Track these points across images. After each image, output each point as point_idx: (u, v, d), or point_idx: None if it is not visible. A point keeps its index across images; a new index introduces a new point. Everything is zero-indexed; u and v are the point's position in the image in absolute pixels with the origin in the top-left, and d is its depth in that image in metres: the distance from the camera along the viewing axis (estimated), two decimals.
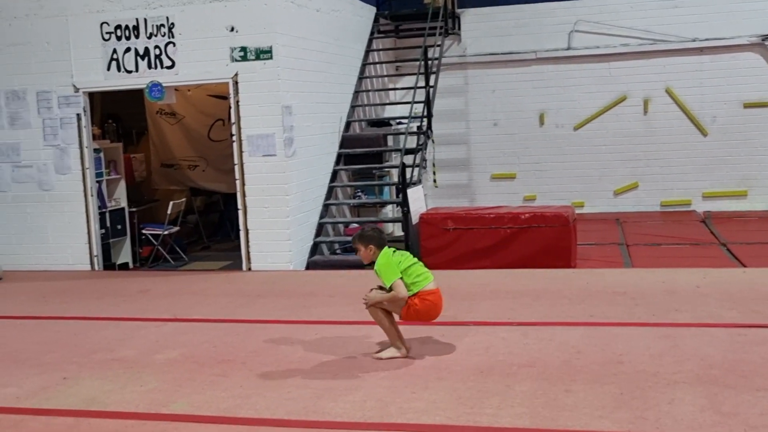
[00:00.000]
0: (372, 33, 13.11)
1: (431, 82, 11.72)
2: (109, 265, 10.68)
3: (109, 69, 10.08)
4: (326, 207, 10.88)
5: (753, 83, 12.89)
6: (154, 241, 11.20)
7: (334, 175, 11.22)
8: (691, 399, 4.79)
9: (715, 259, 9.43)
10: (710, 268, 8.62)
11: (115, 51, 10.02)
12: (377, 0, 13.58)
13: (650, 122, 13.35)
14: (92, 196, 10.34)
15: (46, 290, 9.21)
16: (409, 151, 10.86)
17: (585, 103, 13.54)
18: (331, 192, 11.08)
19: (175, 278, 9.80)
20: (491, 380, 5.30)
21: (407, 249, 6.12)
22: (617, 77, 13.39)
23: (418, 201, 10.20)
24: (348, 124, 11.87)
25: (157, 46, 9.89)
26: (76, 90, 10.21)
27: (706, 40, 12.96)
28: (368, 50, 12.86)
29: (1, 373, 6.02)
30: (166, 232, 11.30)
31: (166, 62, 9.89)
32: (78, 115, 10.25)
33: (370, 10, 13.20)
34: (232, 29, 9.62)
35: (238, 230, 10.02)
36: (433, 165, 12.66)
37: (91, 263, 10.38)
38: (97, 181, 10.54)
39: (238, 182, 9.85)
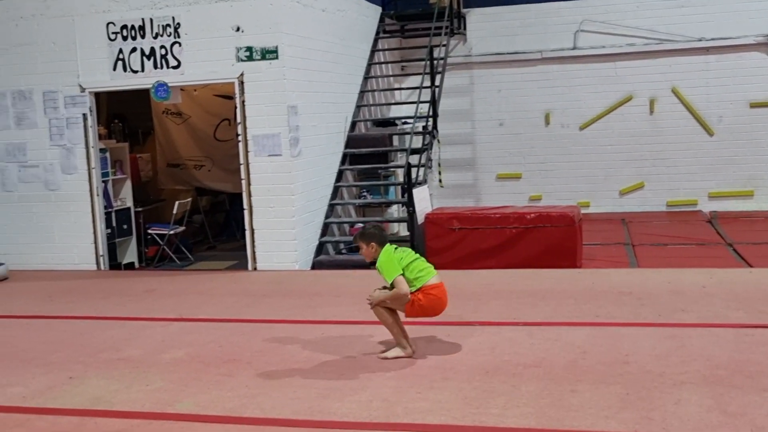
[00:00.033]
0: (377, 33, 13.11)
1: (437, 82, 11.71)
2: (114, 264, 10.71)
3: (115, 69, 10.10)
4: (332, 207, 10.89)
5: (759, 83, 12.84)
6: (159, 240, 11.22)
7: (340, 175, 11.23)
8: (698, 399, 4.78)
9: (721, 259, 9.41)
10: (716, 269, 8.60)
11: (121, 51, 10.04)
12: (383, 0, 13.58)
13: (656, 122, 13.32)
14: (98, 195, 10.36)
15: (52, 290, 9.23)
16: (414, 151, 10.85)
17: (591, 103, 13.52)
18: (336, 192, 11.08)
19: (181, 278, 9.81)
20: (497, 380, 5.30)
21: (412, 249, 6.13)
22: (623, 77, 13.37)
23: (424, 201, 10.20)
24: (353, 124, 11.87)
25: (163, 46, 9.91)
26: (83, 90, 10.24)
27: (712, 39, 12.93)
28: (374, 50, 12.86)
29: (8, 373, 6.04)
30: (171, 232, 11.32)
31: (172, 62, 9.91)
32: (84, 114, 10.27)
33: (376, 10, 13.21)
34: (238, 29, 9.63)
35: (244, 230, 10.03)
36: (439, 165, 12.66)
37: (97, 263, 10.40)
38: (103, 181, 10.56)
39: (243, 182, 9.86)
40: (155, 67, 9.97)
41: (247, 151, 9.77)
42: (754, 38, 12.78)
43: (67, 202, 10.39)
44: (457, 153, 13.88)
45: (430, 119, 11.45)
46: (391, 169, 11.86)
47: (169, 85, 9.91)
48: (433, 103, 11.49)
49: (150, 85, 9.98)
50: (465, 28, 13.82)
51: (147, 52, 9.97)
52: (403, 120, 12.51)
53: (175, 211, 11.21)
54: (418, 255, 5.99)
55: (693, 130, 13.17)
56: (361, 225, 10.86)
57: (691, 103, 13.11)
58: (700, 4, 12.95)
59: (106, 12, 10.04)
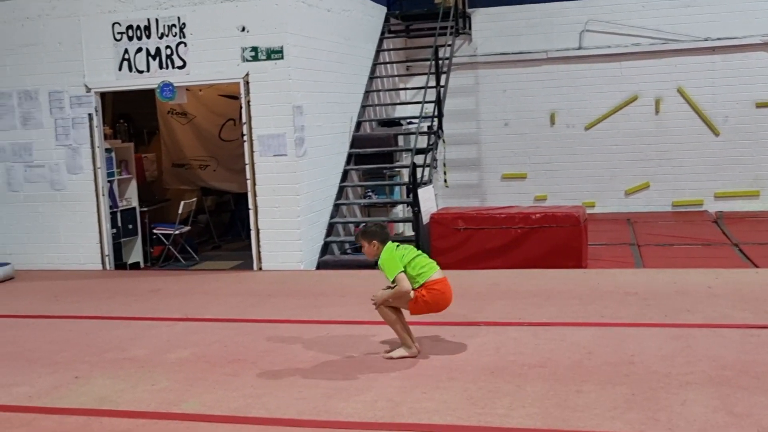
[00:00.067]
0: (383, 33, 13.11)
1: (442, 82, 11.71)
2: (120, 264, 10.72)
3: (120, 69, 10.11)
4: (337, 207, 10.89)
5: (765, 83, 12.81)
6: (165, 240, 11.23)
7: (345, 175, 11.23)
8: (704, 400, 4.76)
9: (727, 259, 9.39)
10: (722, 269, 8.58)
11: (126, 51, 10.06)
12: (388, 0, 13.57)
13: (662, 122, 13.30)
14: (104, 195, 10.37)
15: (57, 289, 9.25)
16: (419, 151, 10.85)
17: (596, 103, 13.50)
18: (341, 192, 11.08)
19: (186, 278, 9.82)
20: (502, 380, 5.29)
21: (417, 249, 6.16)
22: (628, 77, 13.34)
23: (429, 201, 10.19)
24: (359, 124, 11.88)
25: (168, 46, 9.92)
26: (88, 90, 10.25)
27: (718, 39, 12.90)
28: (379, 50, 12.86)
29: (14, 372, 6.05)
30: (177, 232, 11.33)
31: (178, 62, 9.92)
32: (90, 115, 10.29)
33: (381, 10, 13.21)
34: (243, 29, 9.64)
35: (249, 230, 10.04)
36: (444, 165, 12.65)
37: (103, 263, 10.42)
38: (109, 181, 10.58)
39: (249, 182, 9.86)
40: (161, 67, 9.99)
41: (252, 151, 9.78)
42: (760, 38, 12.74)
43: (72, 202, 10.41)
44: (462, 153, 13.87)
45: (435, 119, 11.45)
46: (396, 169, 11.86)
47: (175, 85, 9.93)
48: (438, 103, 11.50)
49: (155, 85, 10.00)
50: (470, 28, 13.82)
51: (152, 52, 9.98)
52: (408, 120, 12.50)
53: (180, 211, 11.23)
54: (420, 252, 5.97)
55: (699, 130, 13.14)
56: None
57: (697, 103, 13.08)
58: (706, 3, 12.92)
59: (112, 12, 10.06)
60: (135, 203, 11.31)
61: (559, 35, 13.56)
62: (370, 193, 11.73)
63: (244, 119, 9.84)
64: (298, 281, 9.17)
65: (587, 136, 13.61)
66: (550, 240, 9.20)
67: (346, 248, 10.82)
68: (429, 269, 5.85)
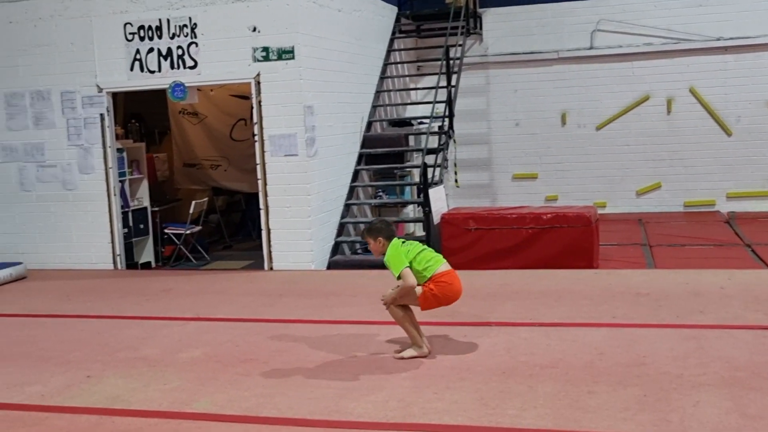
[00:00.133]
0: (393, 33, 13.11)
1: (453, 82, 11.70)
2: (131, 264, 10.75)
3: (132, 69, 10.15)
4: (347, 207, 10.90)
5: None
6: (176, 240, 11.26)
7: (356, 175, 11.23)
8: (716, 401, 4.74)
9: (739, 260, 9.34)
10: (735, 270, 8.54)
11: (138, 51, 10.09)
12: (399, 0, 13.57)
13: (673, 122, 13.25)
14: (115, 195, 10.41)
15: (69, 289, 9.29)
16: (430, 151, 10.84)
17: (607, 103, 13.46)
18: (352, 192, 11.09)
19: (197, 277, 9.84)
20: (513, 381, 5.28)
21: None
22: (640, 77, 13.30)
23: (440, 201, 10.19)
24: (369, 124, 11.88)
25: (179, 47, 9.95)
26: (100, 90, 10.29)
27: (731, 39, 12.84)
28: (390, 50, 12.86)
29: (27, 371, 6.08)
30: (188, 232, 11.36)
31: (189, 62, 9.94)
32: (101, 115, 10.33)
33: (392, 10, 13.20)
34: (255, 29, 9.66)
35: (260, 230, 10.05)
36: (455, 165, 12.64)
37: (114, 262, 10.45)
38: (120, 181, 10.62)
39: (260, 182, 9.88)
40: (172, 67, 10.01)
41: (263, 151, 9.80)
42: None
43: (84, 202, 10.45)
44: (473, 153, 13.86)
45: (446, 119, 11.43)
46: (407, 169, 11.85)
47: (186, 85, 9.95)
48: (449, 103, 11.48)
49: (167, 85, 10.03)
50: (481, 28, 13.80)
51: (164, 52, 10.01)
52: (419, 120, 12.50)
53: (191, 211, 11.26)
54: (425, 246, 5.95)
55: (711, 130, 13.08)
56: None
57: (709, 102, 13.02)
58: (718, 3, 12.86)
59: (124, 13, 10.10)
60: (146, 203, 11.35)
61: (570, 35, 13.53)
62: (380, 193, 11.73)
63: (255, 119, 9.86)
64: (309, 281, 9.18)
65: (598, 136, 13.57)
66: (562, 240, 9.17)
67: (356, 248, 10.82)
68: (435, 263, 5.83)
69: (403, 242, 5.88)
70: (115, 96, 10.72)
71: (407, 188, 11.80)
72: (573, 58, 13.53)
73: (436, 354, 5.92)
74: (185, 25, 9.90)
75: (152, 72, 10.09)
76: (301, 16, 9.69)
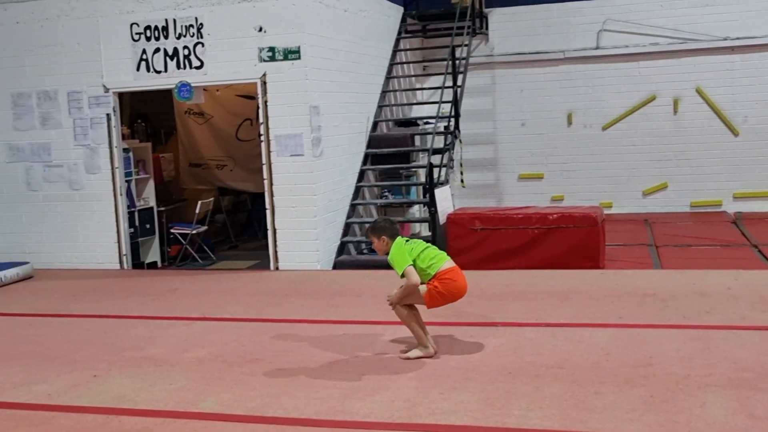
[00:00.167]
0: (399, 33, 13.10)
1: (458, 82, 11.69)
2: (137, 263, 10.77)
3: (138, 69, 10.16)
4: (353, 207, 10.90)
5: None
6: (182, 240, 11.28)
7: (362, 175, 11.23)
8: (723, 402, 4.73)
9: (746, 260, 9.32)
10: (742, 270, 8.51)
11: (144, 51, 10.10)
12: (405, 0, 13.57)
13: (680, 122, 13.22)
14: (121, 195, 10.43)
15: (76, 288, 9.31)
16: (436, 151, 10.84)
17: (613, 103, 13.44)
18: (358, 192, 11.09)
19: (203, 277, 9.85)
20: (519, 381, 5.27)
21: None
22: (646, 77, 13.27)
23: (446, 201, 10.18)
24: (375, 124, 11.88)
25: (186, 47, 9.96)
26: (106, 90, 10.31)
27: (737, 39, 12.80)
28: (395, 50, 12.86)
29: (33, 371, 6.10)
30: (194, 232, 11.38)
31: (195, 62, 9.95)
32: (108, 115, 10.34)
33: (398, 10, 13.20)
34: (261, 29, 9.66)
35: (266, 230, 10.06)
36: (461, 165, 12.62)
37: (120, 262, 10.47)
38: (127, 181, 10.64)
39: (266, 182, 9.89)
40: (178, 67, 10.03)
41: (269, 151, 9.80)
42: None
43: (90, 202, 10.48)
44: (479, 153, 13.85)
45: (452, 119, 11.43)
46: (413, 170, 11.86)
47: (192, 85, 9.96)
48: (455, 103, 11.47)
49: (173, 86, 10.04)
50: (487, 28, 13.79)
51: (170, 52, 10.03)
52: (425, 120, 12.49)
53: (197, 211, 11.27)
54: (428, 244, 5.94)
55: (717, 130, 13.05)
56: None
57: (716, 102, 12.99)
58: (725, 3, 12.83)
59: (130, 13, 10.11)
60: (152, 203, 11.37)
61: (576, 35, 13.51)
62: (386, 193, 11.73)
63: (261, 119, 9.86)
64: (315, 281, 9.18)
65: (604, 136, 13.55)
66: (568, 240, 9.17)
67: (362, 248, 10.82)
68: (439, 260, 5.81)
69: (407, 240, 5.87)
70: (122, 96, 10.76)
71: (413, 188, 11.80)
72: (579, 58, 13.51)
73: (441, 354, 5.92)
74: (191, 26, 9.91)
75: (158, 72, 10.11)
76: (307, 16, 9.69)
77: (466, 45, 12.43)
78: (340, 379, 5.51)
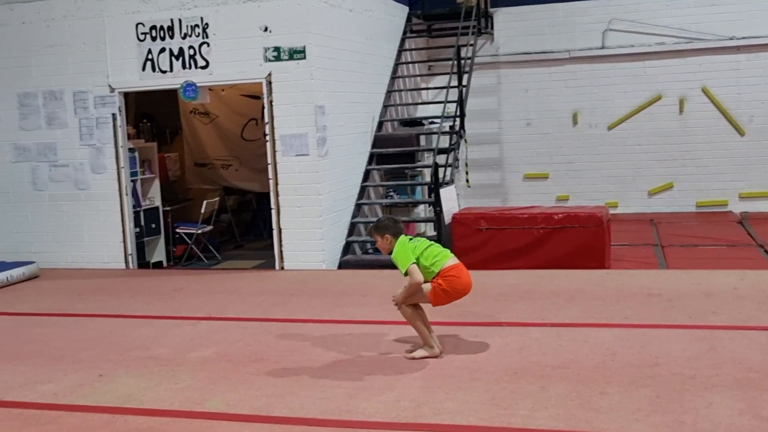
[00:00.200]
0: (405, 32, 13.11)
1: (464, 82, 11.69)
2: (143, 263, 10.79)
3: (144, 69, 10.18)
4: (358, 206, 10.90)
5: None
6: (187, 239, 11.29)
7: (367, 175, 11.24)
8: (729, 403, 4.72)
9: (752, 260, 9.29)
10: (748, 270, 8.49)
11: (150, 51, 10.12)
12: (410, 0, 13.57)
13: (686, 122, 13.19)
14: (127, 195, 10.44)
15: (81, 288, 9.32)
16: (441, 151, 10.83)
17: (619, 103, 13.42)
18: (363, 191, 11.09)
19: (209, 277, 9.86)
20: (525, 381, 5.27)
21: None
22: (652, 76, 13.25)
23: (451, 201, 10.18)
24: (380, 124, 11.88)
25: (191, 47, 9.97)
26: (112, 90, 10.33)
27: (743, 38, 12.77)
28: (401, 50, 12.86)
29: (39, 370, 6.11)
30: (199, 231, 11.39)
31: (201, 62, 9.96)
32: (113, 114, 10.36)
33: (403, 10, 13.20)
34: (266, 29, 9.67)
35: (271, 229, 10.07)
36: (466, 165, 12.62)
37: (126, 261, 10.49)
38: (132, 180, 10.65)
39: (271, 182, 9.89)
40: (184, 67, 10.04)
41: (274, 151, 9.81)
42: None
43: (96, 201, 10.50)
44: (484, 153, 13.84)
45: (457, 119, 11.43)
46: (418, 169, 11.85)
47: (198, 85, 9.98)
48: (460, 102, 11.47)
49: (178, 85, 10.06)
50: (492, 28, 13.78)
51: (176, 52, 10.04)
52: (430, 120, 12.49)
53: (202, 211, 11.28)
54: (432, 242, 5.93)
55: (723, 130, 13.02)
56: None
57: (722, 102, 12.96)
58: (731, 2, 12.80)
59: (136, 13, 10.13)
60: (158, 202, 11.38)
61: (581, 34, 13.49)
62: (391, 193, 11.73)
63: (266, 119, 9.87)
64: (320, 281, 9.18)
65: (610, 136, 13.53)
66: (573, 240, 9.15)
67: (367, 248, 10.82)
68: (442, 257, 5.80)
69: (411, 239, 5.87)
70: (127, 96, 10.78)
71: (418, 188, 11.79)
72: (584, 57, 13.49)
73: (447, 354, 5.91)
74: (197, 25, 9.92)
75: (164, 72, 10.12)
76: (313, 16, 9.70)
77: (471, 45, 12.42)
78: (346, 378, 5.52)
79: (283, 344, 6.48)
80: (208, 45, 9.91)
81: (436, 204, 9.84)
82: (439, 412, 4.80)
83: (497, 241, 9.42)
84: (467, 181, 12.86)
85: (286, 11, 9.60)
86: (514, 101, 13.88)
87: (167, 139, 13.46)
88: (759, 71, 12.79)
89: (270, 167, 9.87)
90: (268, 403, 5.11)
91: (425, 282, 5.73)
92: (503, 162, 14.02)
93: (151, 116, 13.02)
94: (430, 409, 4.86)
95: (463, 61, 11.68)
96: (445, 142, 11.27)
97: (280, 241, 9.89)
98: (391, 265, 6.06)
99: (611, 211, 10.62)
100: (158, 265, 11.18)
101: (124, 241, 10.46)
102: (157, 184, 11.41)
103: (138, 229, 10.72)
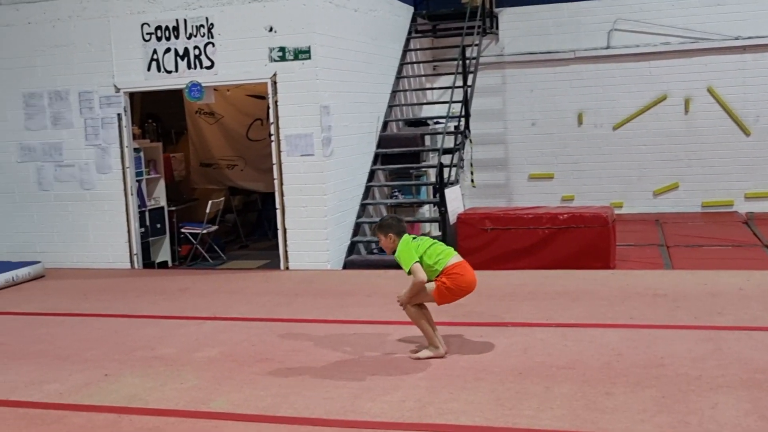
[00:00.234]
0: (409, 32, 13.10)
1: (469, 82, 11.68)
2: (148, 263, 10.80)
3: (149, 69, 10.19)
4: (363, 207, 10.90)
5: None
6: (192, 239, 11.30)
7: (372, 175, 11.23)
8: (735, 403, 4.71)
9: (758, 261, 9.27)
10: (753, 270, 8.47)
11: (155, 51, 10.13)
12: (415, 0, 13.57)
13: (691, 122, 13.17)
14: (132, 195, 10.46)
15: (87, 288, 9.34)
16: (446, 151, 10.83)
17: (624, 103, 13.40)
18: (368, 192, 11.09)
19: (214, 277, 9.87)
20: (530, 382, 5.26)
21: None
22: (657, 76, 13.23)
23: (456, 201, 10.17)
24: (385, 124, 11.87)
25: (196, 47, 9.98)
26: (117, 90, 10.35)
27: (749, 38, 12.74)
28: (406, 50, 12.85)
29: (45, 369, 6.12)
30: (204, 231, 11.40)
31: (206, 62, 9.97)
32: (119, 114, 10.38)
33: (408, 10, 13.19)
34: (271, 29, 9.67)
35: (276, 229, 10.07)
36: (471, 165, 12.62)
37: (131, 261, 10.50)
38: (137, 180, 10.67)
39: (276, 182, 9.90)
40: (189, 67, 10.05)
41: (279, 151, 9.81)
42: None
43: (101, 201, 10.51)
44: (489, 153, 13.83)
45: (462, 119, 11.42)
46: (423, 169, 11.85)
47: (203, 85, 9.98)
48: (465, 102, 11.46)
49: (183, 85, 10.07)
50: (497, 28, 13.77)
51: (181, 52, 10.05)
52: (435, 120, 12.48)
53: (208, 211, 11.30)
54: (435, 240, 5.92)
55: (729, 130, 12.99)
56: None
57: (728, 102, 12.94)
58: (737, 2, 12.78)
59: (141, 13, 10.14)
60: (163, 202, 11.39)
61: (587, 34, 13.47)
62: (396, 193, 11.73)
63: (271, 119, 9.88)
64: (325, 281, 9.18)
65: (615, 136, 13.51)
66: (578, 241, 9.14)
67: (372, 248, 10.82)
68: (445, 256, 5.79)
69: (414, 238, 5.87)
70: (132, 96, 10.78)
71: (423, 188, 11.80)
72: (590, 57, 13.47)
73: (452, 354, 5.91)
74: (202, 26, 9.93)
75: (169, 72, 10.14)
76: (318, 16, 9.70)
77: (476, 45, 12.42)
78: (351, 378, 5.52)
79: (288, 344, 6.49)
80: (213, 45, 9.92)
81: (441, 204, 9.84)
82: (444, 413, 4.79)
83: (502, 241, 9.41)
84: (472, 181, 12.85)
85: (291, 11, 9.61)
86: (519, 101, 13.86)
87: (172, 139, 13.47)
88: (765, 71, 12.76)
89: (275, 167, 9.87)
90: (273, 403, 5.11)
91: (429, 281, 5.73)
92: (508, 162, 14.01)
93: (157, 116, 13.04)
94: (435, 409, 4.86)
95: (468, 61, 11.67)
96: (450, 142, 11.26)
97: (285, 241, 9.89)
98: (396, 266, 6.05)
99: (616, 212, 10.61)
100: (163, 265, 11.19)
101: (129, 241, 10.47)
102: (162, 184, 11.42)
103: (143, 229, 10.74)
